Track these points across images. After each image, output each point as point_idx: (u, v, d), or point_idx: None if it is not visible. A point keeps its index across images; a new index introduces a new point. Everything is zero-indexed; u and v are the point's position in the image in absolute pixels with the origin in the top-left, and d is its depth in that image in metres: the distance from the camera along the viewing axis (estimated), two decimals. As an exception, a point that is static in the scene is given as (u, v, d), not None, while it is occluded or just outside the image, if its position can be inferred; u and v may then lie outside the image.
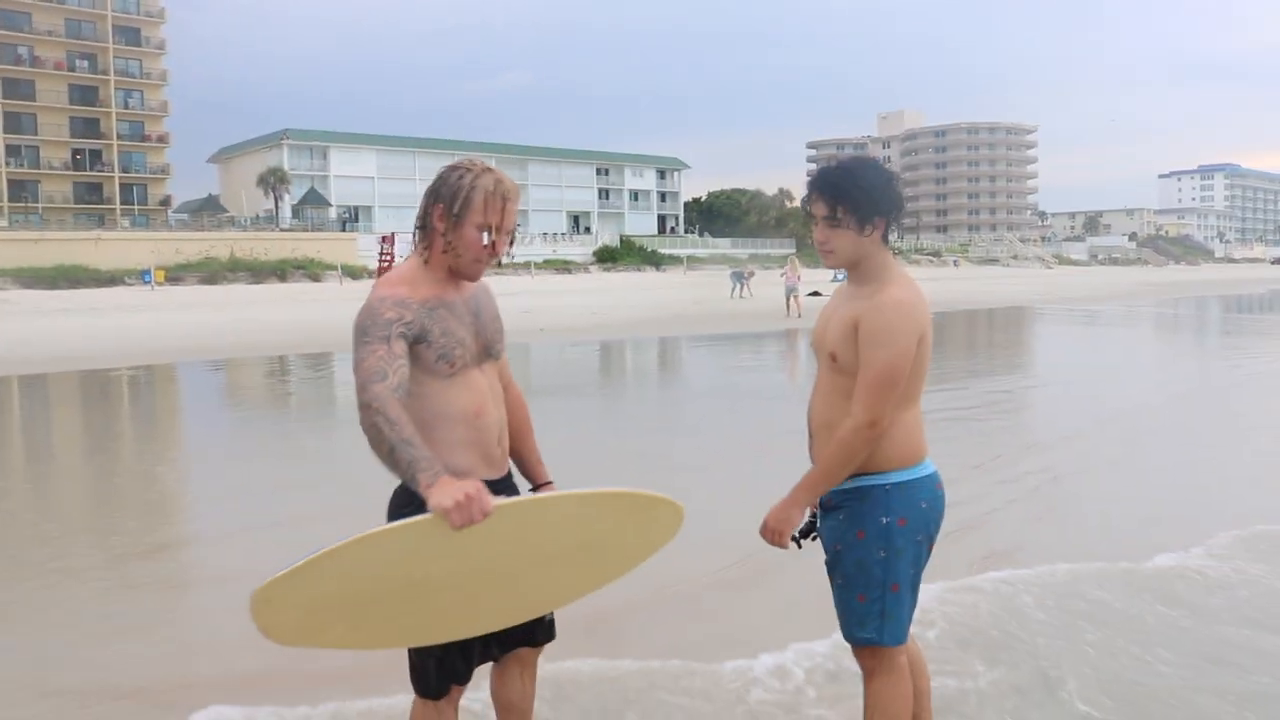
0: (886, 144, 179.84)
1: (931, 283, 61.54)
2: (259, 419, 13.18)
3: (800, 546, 3.20)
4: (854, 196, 2.89)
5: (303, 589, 2.60)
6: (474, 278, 2.92)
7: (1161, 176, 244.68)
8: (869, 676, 3.06)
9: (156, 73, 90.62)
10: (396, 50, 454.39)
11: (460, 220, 2.81)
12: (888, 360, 2.81)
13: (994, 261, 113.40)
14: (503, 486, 2.95)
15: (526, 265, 72.42)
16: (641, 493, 2.92)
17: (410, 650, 2.92)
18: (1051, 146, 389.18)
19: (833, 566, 3.06)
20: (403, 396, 2.66)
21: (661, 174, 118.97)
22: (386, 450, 2.58)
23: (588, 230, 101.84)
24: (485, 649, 3.00)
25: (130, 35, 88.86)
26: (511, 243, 2.90)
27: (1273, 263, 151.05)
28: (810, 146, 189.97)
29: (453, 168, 2.89)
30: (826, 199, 2.92)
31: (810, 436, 3.09)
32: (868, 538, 2.93)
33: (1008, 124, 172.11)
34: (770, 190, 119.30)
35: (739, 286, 42.60)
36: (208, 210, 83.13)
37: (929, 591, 4.49)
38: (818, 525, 3.14)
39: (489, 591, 2.80)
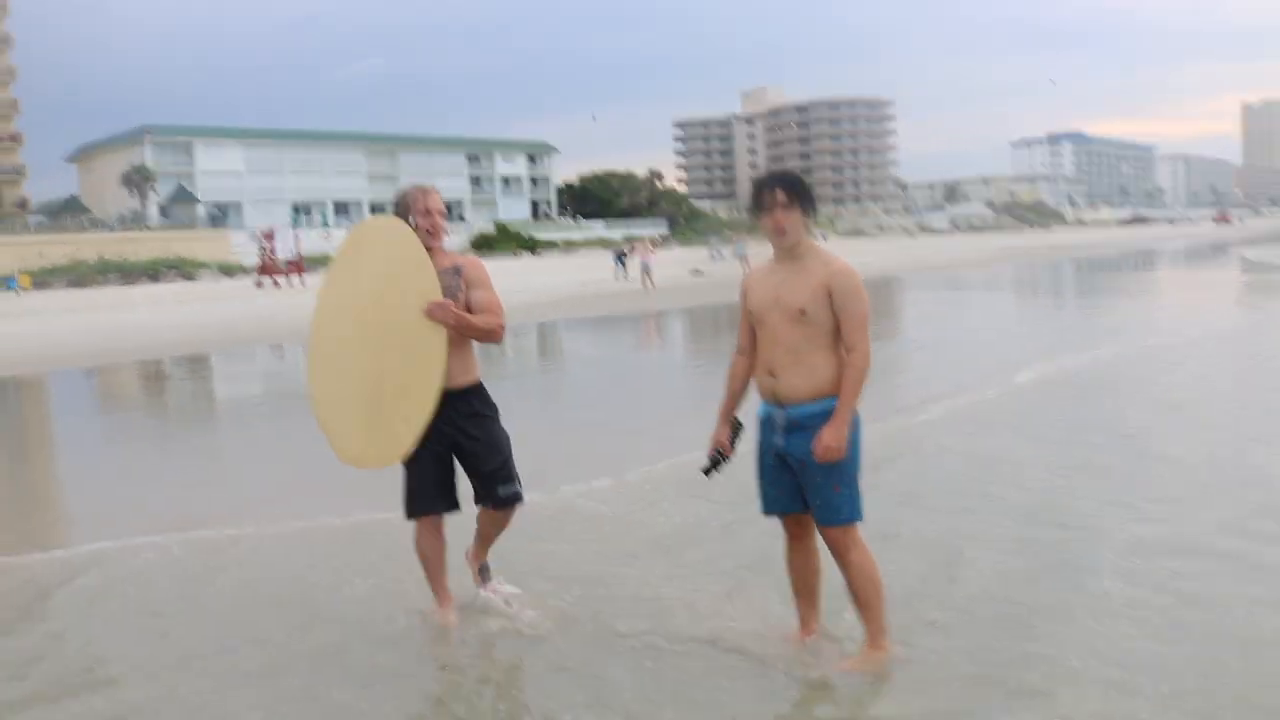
0: (751, 120, 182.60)
1: (804, 257, 63.34)
2: (164, 425, 13.73)
3: (708, 476, 4.40)
4: (804, 191, 4.17)
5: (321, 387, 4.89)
6: (431, 246, 4.78)
7: (1014, 145, 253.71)
8: (845, 552, 4.16)
9: (2, 69, 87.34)
10: (254, 43, 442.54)
11: (404, 219, 4.82)
12: (865, 310, 4.10)
13: (860, 233, 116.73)
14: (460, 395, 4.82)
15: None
16: (365, 222, 5.03)
17: (404, 482, 4.88)
18: (908, 118, 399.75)
19: (811, 472, 4.11)
20: None
21: (532, 159, 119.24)
22: None
23: (461, 218, 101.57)
24: (431, 497, 4.88)
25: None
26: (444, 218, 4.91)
27: (1120, 224, 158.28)
28: (677, 126, 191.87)
29: (399, 193, 4.98)
30: (786, 191, 4.14)
31: (773, 375, 4.16)
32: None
33: (867, 99, 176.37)
34: (641, 172, 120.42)
35: (621, 267, 43.58)
36: (70, 211, 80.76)
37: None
38: (776, 443, 4.21)
39: (389, 339, 4.71)
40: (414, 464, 4.81)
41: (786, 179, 4.19)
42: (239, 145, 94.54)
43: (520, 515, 5.05)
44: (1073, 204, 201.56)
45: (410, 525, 4.97)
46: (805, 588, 4.46)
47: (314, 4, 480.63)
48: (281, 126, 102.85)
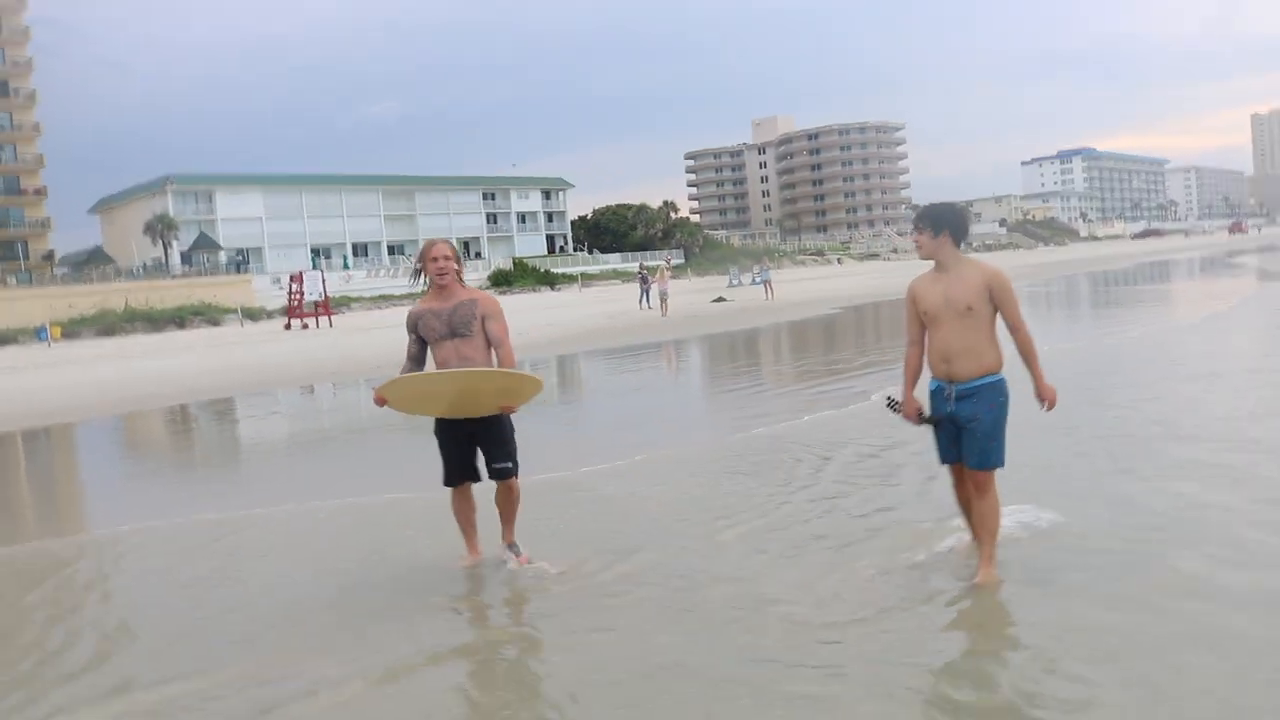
0: (762, 149, 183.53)
1: (822, 281, 63.97)
2: (253, 463, 14.21)
3: (924, 423, 5.72)
4: (928, 218, 5.53)
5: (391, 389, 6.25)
6: (440, 285, 6.27)
7: (1024, 163, 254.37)
8: (986, 490, 5.52)
9: (29, 125, 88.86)
10: (267, 92, 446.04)
11: (422, 269, 6.35)
12: (1017, 299, 5.45)
13: (875, 256, 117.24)
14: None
15: (425, 294, 72.83)
16: (516, 373, 6.26)
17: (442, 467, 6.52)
18: (919, 141, 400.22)
19: (973, 427, 5.43)
20: (408, 359, 6.44)
21: (547, 194, 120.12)
22: None
23: (478, 255, 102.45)
24: (456, 474, 6.49)
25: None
26: (458, 267, 6.35)
27: (1133, 238, 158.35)
28: (689, 157, 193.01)
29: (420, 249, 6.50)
30: (920, 220, 5.58)
31: (947, 361, 5.46)
32: (996, 407, 5.44)
33: (876, 123, 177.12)
34: (655, 203, 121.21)
35: (645, 295, 43.63)
36: (95, 262, 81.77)
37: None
38: (948, 409, 5.51)
39: (454, 403, 6.25)
40: (447, 447, 6.46)
41: (923, 212, 5.61)
42: (258, 191, 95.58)
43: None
44: (1085, 219, 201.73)
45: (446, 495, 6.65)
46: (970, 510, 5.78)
47: (325, 50, 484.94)
48: (299, 172, 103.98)
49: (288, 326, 48.22)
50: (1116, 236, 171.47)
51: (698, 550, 6.66)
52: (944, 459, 5.76)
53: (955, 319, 5.37)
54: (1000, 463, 5.50)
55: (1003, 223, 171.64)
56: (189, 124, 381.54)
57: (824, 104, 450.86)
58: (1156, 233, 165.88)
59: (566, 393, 18.92)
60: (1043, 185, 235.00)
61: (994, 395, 5.45)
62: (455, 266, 6.30)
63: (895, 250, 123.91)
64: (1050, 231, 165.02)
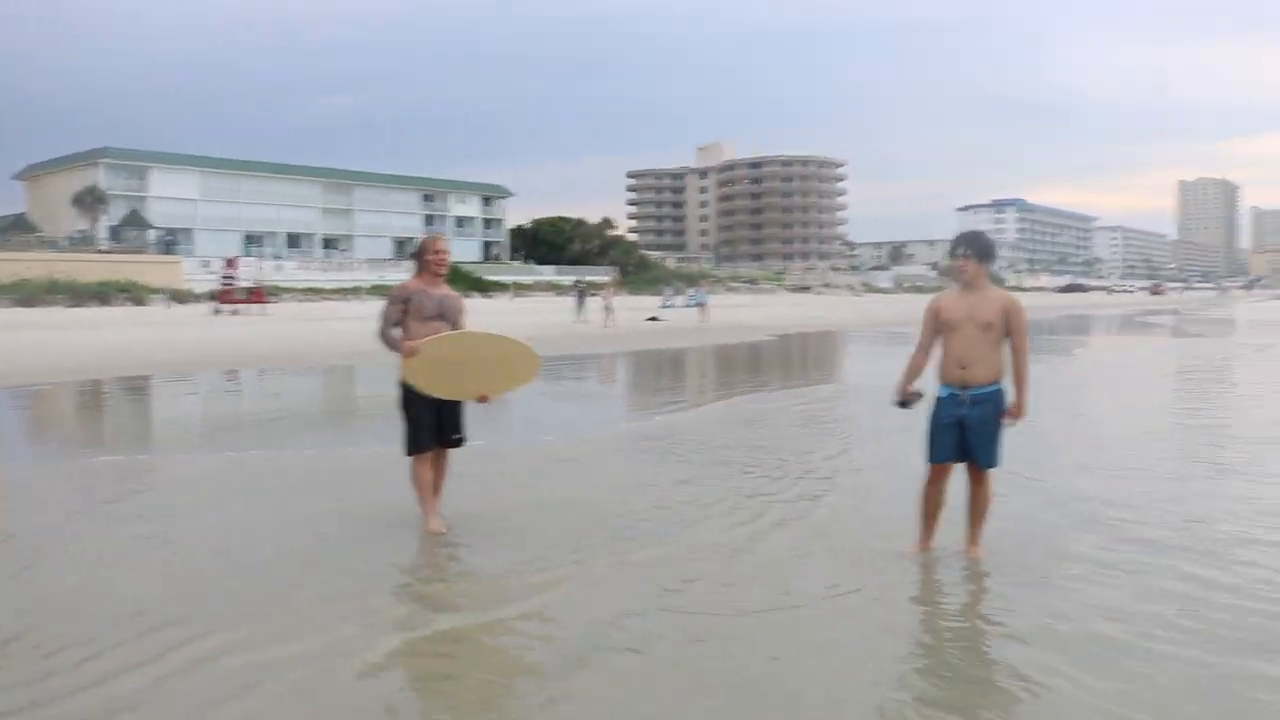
0: (704, 174, 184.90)
1: (755, 309, 64.67)
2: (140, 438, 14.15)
3: (905, 408, 6.58)
4: (975, 246, 6.34)
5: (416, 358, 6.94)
6: (439, 276, 7.19)
7: (959, 209, 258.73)
8: (987, 484, 6.44)
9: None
10: (213, 74, 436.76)
11: (421, 258, 7.21)
12: (1028, 324, 6.30)
13: (806, 289, 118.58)
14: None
15: (355, 290, 72.37)
16: (514, 339, 7.43)
17: (405, 430, 7.15)
18: (858, 179, 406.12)
19: (980, 432, 6.28)
20: (394, 325, 7.12)
21: (486, 201, 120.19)
22: (383, 344, 7.20)
23: (413, 255, 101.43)
24: (428, 440, 7.13)
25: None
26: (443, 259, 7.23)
27: (1057, 291, 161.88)
28: (631, 175, 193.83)
29: (420, 239, 7.47)
30: (965, 246, 6.33)
31: (963, 367, 6.25)
32: (999, 414, 6.28)
33: (819, 158, 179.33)
34: (593, 219, 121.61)
35: (582, 306, 43.91)
36: (17, 230, 79.96)
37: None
38: (961, 412, 6.27)
39: (457, 379, 7.06)
40: (420, 413, 7.08)
41: (967, 238, 6.41)
42: (195, 172, 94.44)
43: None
44: (1014, 270, 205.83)
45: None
46: (934, 515, 6.55)
47: (280, 38, 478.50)
48: (240, 157, 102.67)
49: (216, 311, 47.58)
50: (1041, 288, 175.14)
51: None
52: (938, 458, 6.45)
53: (975, 332, 6.22)
54: (998, 462, 6.40)
55: (934, 266, 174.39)
56: (129, 96, 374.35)
57: (772, 135, 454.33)
58: (1080, 288, 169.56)
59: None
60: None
61: (1001, 401, 6.30)
62: (448, 261, 7.33)
63: (827, 285, 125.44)
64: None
